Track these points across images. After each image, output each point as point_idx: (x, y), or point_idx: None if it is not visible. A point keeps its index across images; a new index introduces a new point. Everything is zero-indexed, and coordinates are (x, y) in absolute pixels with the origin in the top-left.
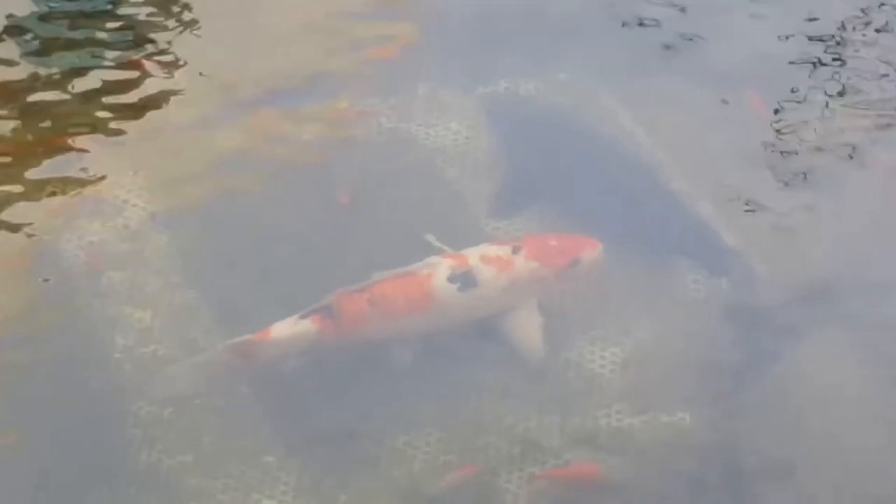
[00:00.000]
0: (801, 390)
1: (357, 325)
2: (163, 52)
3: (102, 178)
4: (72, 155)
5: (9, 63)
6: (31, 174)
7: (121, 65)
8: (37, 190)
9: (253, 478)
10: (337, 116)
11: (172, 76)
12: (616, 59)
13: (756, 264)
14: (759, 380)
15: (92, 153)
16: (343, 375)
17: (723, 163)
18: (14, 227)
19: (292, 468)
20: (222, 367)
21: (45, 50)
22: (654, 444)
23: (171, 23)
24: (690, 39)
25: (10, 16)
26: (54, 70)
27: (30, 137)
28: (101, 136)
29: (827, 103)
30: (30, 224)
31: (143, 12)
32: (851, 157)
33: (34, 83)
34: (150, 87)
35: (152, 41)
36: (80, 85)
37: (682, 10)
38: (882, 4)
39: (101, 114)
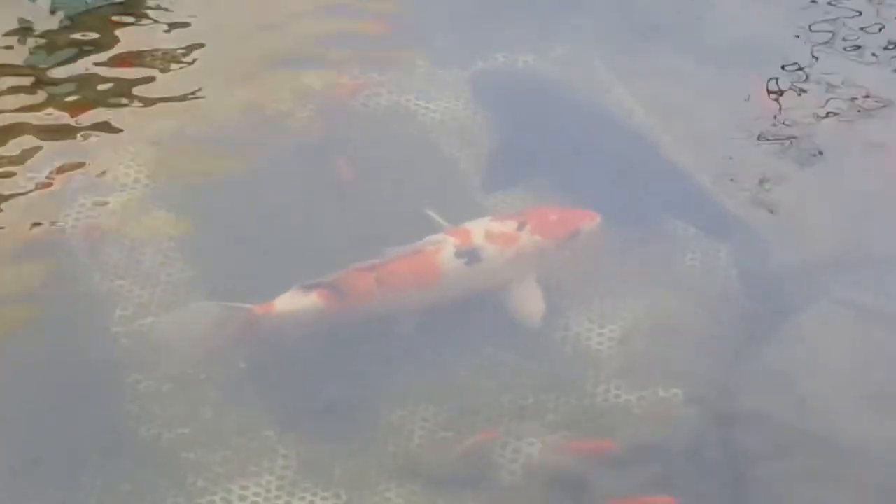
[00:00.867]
0: (799, 366)
1: (363, 300)
2: (162, 18)
3: (102, 152)
4: (72, 129)
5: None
6: (31, 149)
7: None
8: (36, 165)
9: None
10: (335, 91)
11: (171, 50)
12: (613, 32)
13: (759, 230)
14: (756, 356)
15: (92, 127)
16: (341, 349)
17: (719, 137)
18: (13, 203)
19: (290, 441)
20: (217, 324)
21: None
22: (650, 420)
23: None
24: (685, 14)
25: None
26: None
27: (30, 111)
28: (101, 110)
29: (825, 80)
30: (29, 199)
31: None
32: (849, 133)
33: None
34: (149, 63)
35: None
36: (80, 59)
37: None
38: None
39: (102, 87)
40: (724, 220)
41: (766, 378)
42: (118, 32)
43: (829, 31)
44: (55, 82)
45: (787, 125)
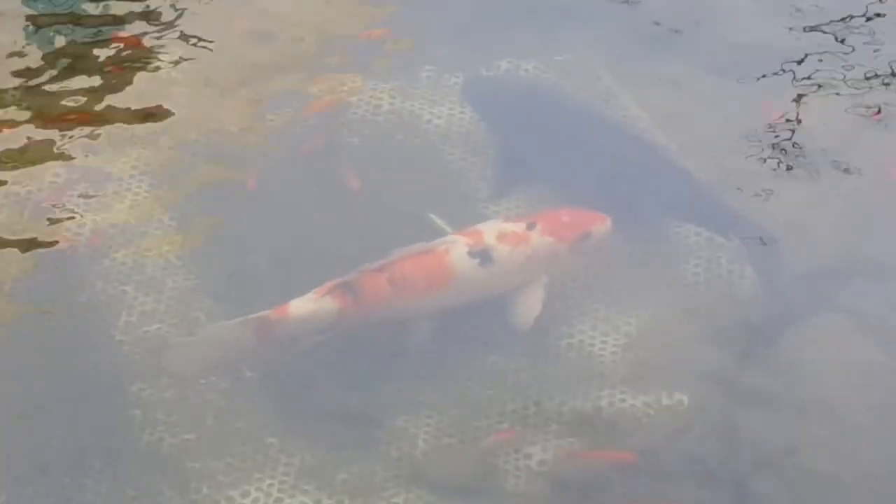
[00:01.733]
0: (804, 371)
1: (377, 303)
2: (164, 27)
3: (104, 161)
4: (74, 134)
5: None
6: (33, 153)
7: (117, 45)
8: (39, 170)
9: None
10: (336, 99)
11: (171, 58)
12: (616, 39)
13: (764, 237)
14: (763, 359)
15: (94, 136)
16: (346, 356)
17: (723, 145)
18: (16, 206)
19: (293, 449)
20: (233, 342)
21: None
22: (655, 426)
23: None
24: (689, 21)
25: None
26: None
27: (32, 115)
28: (103, 116)
29: (830, 86)
30: (32, 203)
31: None
32: (853, 141)
33: (36, 59)
34: (150, 67)
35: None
36: (81, 63)
37: None
38: None
39: (104, 94)
40: (729, 227)
41: (771, 384)
42: (117, 44)
43: (833, 37)
44: (55, 91)
45: (790, 133)
